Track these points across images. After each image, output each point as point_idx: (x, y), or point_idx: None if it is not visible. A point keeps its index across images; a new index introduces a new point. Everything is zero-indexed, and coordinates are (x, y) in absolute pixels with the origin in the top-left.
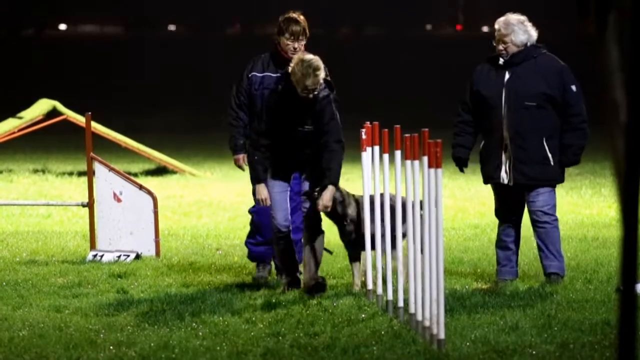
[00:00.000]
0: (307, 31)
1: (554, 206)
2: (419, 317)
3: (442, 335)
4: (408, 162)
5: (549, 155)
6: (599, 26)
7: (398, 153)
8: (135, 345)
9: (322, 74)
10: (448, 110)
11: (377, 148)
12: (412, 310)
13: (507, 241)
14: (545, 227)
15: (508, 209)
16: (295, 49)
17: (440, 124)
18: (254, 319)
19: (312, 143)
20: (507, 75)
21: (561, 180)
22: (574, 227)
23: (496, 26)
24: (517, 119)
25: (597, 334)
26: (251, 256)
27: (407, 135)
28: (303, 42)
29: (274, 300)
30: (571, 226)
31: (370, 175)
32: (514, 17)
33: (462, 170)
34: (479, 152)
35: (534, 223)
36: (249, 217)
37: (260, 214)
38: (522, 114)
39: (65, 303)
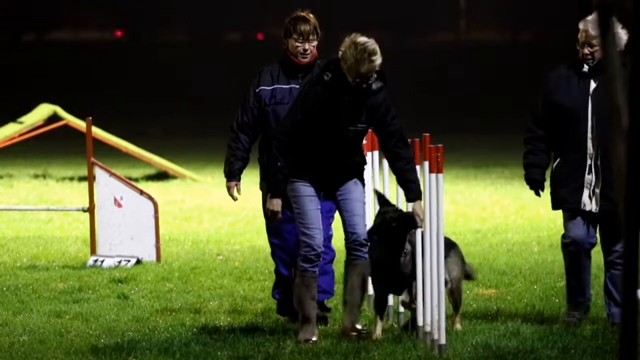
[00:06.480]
0: (319, 30)
1: None
2: (420, 323)
3: (443, 341)
4: None
5: None
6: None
7: None
8: (136, 351)
9: (378, 60)
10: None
11: (376, 153)
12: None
13: (583, 274)
14: None
15: (583, 239)
16: (305, 51)
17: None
18: (254, 324)
19: (358, 148)
20: (592, 85)
21: None
22: None
23: (582, 26)
24: (606, 135)
25: (598, 339)
26: (282, 310)
27: (407, 140)
28: (314, 43)
29: (274, 306)
30: None
31: (370, 180)
32: None
33: (538, 194)
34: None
35: (613, 264)
36: (250, 222)
37: (282, 265)
38: None
39: (66, 308)
